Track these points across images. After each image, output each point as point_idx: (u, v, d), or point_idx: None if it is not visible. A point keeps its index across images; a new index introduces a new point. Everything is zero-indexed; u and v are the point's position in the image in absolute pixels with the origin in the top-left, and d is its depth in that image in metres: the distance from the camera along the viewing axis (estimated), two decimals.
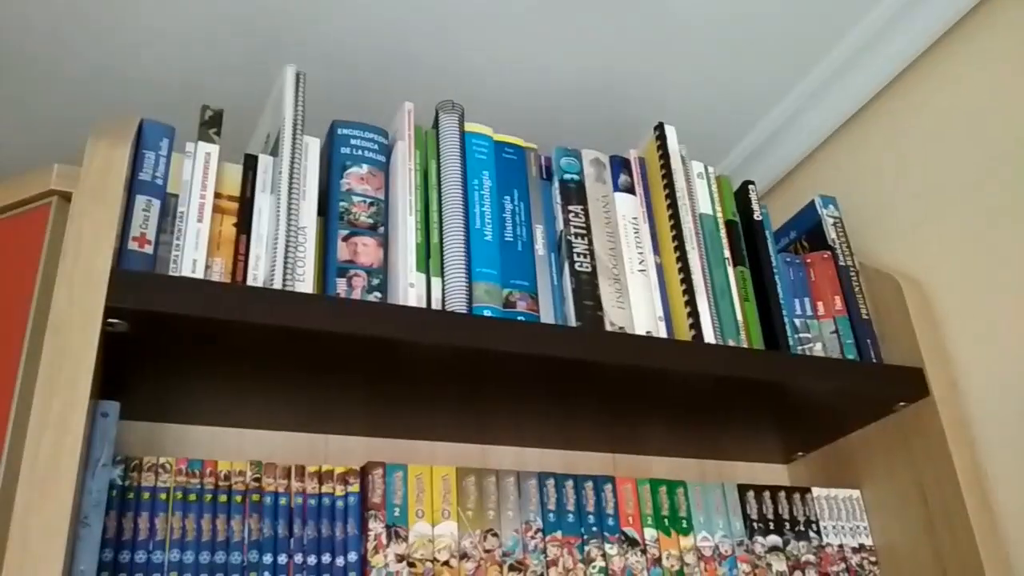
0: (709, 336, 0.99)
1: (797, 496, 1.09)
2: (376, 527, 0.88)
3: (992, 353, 1.04)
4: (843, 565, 1.06)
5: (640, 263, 1.02)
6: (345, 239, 0.89)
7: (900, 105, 1.24)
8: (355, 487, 0.89)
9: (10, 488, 0.68)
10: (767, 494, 1.07)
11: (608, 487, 1.00)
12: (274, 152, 0.92)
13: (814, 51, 1.27)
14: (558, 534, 0.96)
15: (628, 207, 1.05)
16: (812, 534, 1.07)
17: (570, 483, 0.99)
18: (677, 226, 1.03)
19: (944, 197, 1.14)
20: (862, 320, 1.10)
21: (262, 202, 0.89)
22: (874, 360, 1.07)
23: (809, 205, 1.19)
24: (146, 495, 0.82)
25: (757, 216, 1.12)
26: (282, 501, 0.86)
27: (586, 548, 0.96)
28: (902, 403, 1.05)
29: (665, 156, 1.07)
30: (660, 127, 1.09)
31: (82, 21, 1.16)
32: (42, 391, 0.70)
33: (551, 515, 0.96)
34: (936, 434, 1.02)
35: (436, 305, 0.90)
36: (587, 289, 0.97)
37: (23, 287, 0.81)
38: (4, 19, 1.15)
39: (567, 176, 1.04)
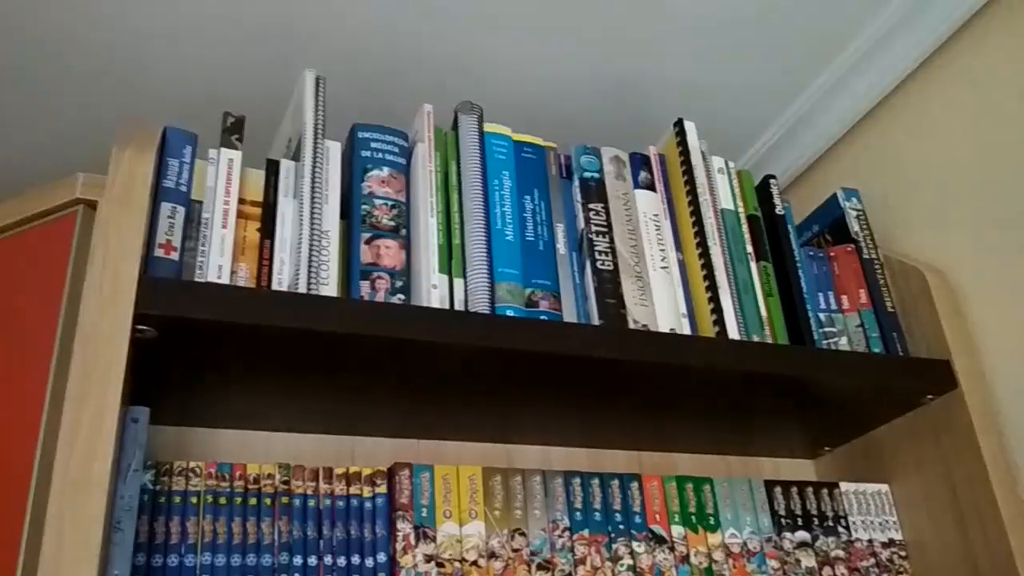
0: (733, 332, 0.98)
1: (825, 491, 1.08)
2: (404, 528, 0.88)
3: (1019, 343, 1.03)
4: (873, 560, 1.06)
5: (662, 260, 1.01)
6: (368, 242, 0.90)
7: (921, 96, 1.23)
8: (383, 488, 0.90)
9: (43, 494, 0.69)
10: (795, 490, 1.07)
11: (634, 485, 1.00)
12: (296, 157, 0.93)
13: (833, 44, 1.26)
14: (585, 532, 0.95)
15: (649, 204, 1.05)
16: (841, 529, 1.06)
17: (596, 481, 0.99)
18: (699, 222, 1.03)
19: (967, 187, 1.13)
20: (887, 313, 1.09)
21: (285, 207, 0.89)
22: (900, 353, 1.06)
23: (831, 198, 1.18)
24: (177, 499, 0.82)
25: (779, 210, 1.11)
26: (311, 503, 0.87)
27: (614, 546, 0.96)
28: (930, 396, 1.04)
29: (685, 152, 1.07)
30: (679, 123, 1.09)
31: (102, 30, 1.17)
32: (73, 398, 0.71)
33: (578, 514, 0.96)
34: (964, 426, 1.01)
35: (459, 306, 0.90)
36: (609, 287, 0.97)
37: (51, 296, 0.82)
38: (24, 29, 1.16)
39: (587, 174, 1.03)
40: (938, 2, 1.16)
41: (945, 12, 1.16)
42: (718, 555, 1.00)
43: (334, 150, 0.93)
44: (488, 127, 1.01)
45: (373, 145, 0.95)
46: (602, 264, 0.98)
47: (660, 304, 0.98)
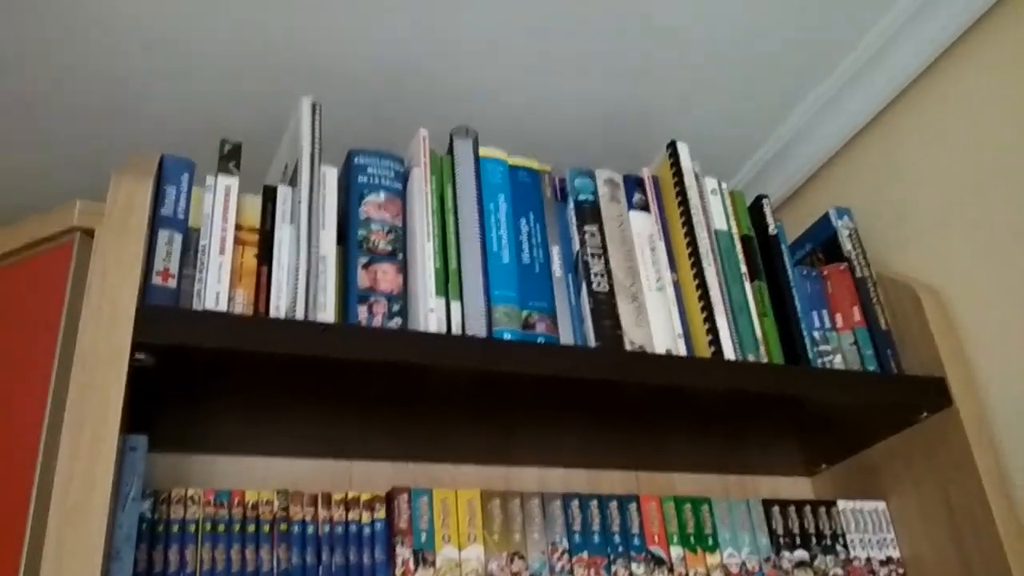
0: (729, 352, 0.98)
1: (822, 510, 1.08)
2: (403, 553, 0.88)
3: (1013, 359, 1.04)
4: None
5: (657, 281, 1.02)
6: (365, 266, 0.90)
7: (911, 114, 1.24)
8: (381, 513, 0.90)
9: (41, 523, 0.69)
10: (792, 509, 1.07)
11: (632, 506, 1.00)
12: (292, 183, 0.93)
13: (823, 64, 1.28)
14: (584, 555, 0.95)
15: (643, 225, 1.05)
16: (839, 548, 1.06)
17: (595, 503, 0.99)
18: (693, 243, 1.04)
19: (958, 205, 1.14)
20: (881, 331, 1.10)
21: (282, 233, 0.89)
22: (895, 371, 1.07)
23: (823, 217, 1.19)
24: (175, 527, 0.82)
25: (772, 230, 1.12)
26: (309, 530, 0.87)
27: (613, 568, 0.96)
28: (925, 413, 1.05)
29: (678, 173, 1.08)
30: (672, 145, 1.10)
31: (99, 59, 1.18)
32: (70, 426, 0.70)
33: (577, 536, 0.96)
34: (960, 443, 1.02)
35: (456, 329, 0.90)
36: (605, 309, 0.97)
37: (49, 324, 0.82)
38: (22, 57, 1.17)
39: (582, 197, 1.04)
40: (927, 21, 1.18)
41: (935, 31, 1.17)
42: (717, 575, 0.99)
43: (330, 176, 0.94)
44: (483, 151, 1.02)
45: (369, 170, 0.96)
46: (598, 286, 0.98)
47: (656, 325, 0.99)
